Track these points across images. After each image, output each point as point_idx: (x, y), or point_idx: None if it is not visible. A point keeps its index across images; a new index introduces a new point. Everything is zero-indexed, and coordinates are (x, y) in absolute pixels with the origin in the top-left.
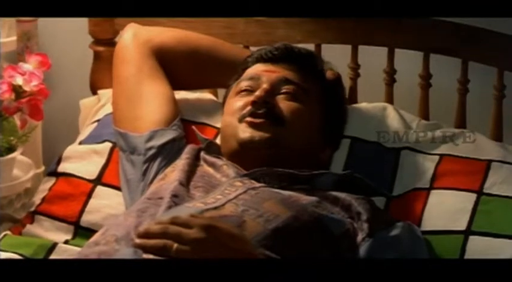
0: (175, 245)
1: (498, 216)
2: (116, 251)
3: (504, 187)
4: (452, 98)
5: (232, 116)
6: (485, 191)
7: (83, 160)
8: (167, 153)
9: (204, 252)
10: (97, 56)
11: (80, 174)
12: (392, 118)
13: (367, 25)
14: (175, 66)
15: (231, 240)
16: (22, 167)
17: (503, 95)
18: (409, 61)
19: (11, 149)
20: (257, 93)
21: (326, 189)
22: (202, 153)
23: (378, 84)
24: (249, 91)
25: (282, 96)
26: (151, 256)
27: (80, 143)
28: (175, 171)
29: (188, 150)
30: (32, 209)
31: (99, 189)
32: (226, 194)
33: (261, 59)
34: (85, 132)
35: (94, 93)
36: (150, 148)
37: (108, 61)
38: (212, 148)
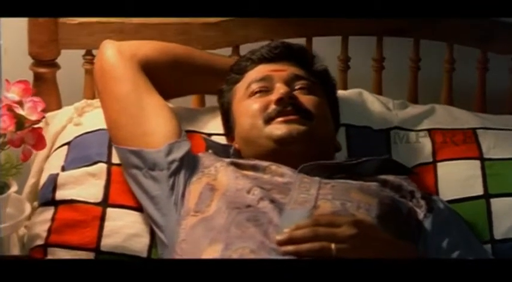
0: (333, 245)
1: (508, 177)
2: None
3: (498, 150)
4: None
5: (254, 118)
6: (485, 156)
7: (80, 184)
8: (188, 164)
9: (361, 247)
10: (39, 78)
11: (83, 199)
12: (372, 102)
13: (321, 17)
14: (159, 77)
15: (378, 232)
16: (13, 203)
17: (453, 68)
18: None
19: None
20: (281, 90)
21: (369, 175)
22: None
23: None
24: (264, 91)
25: (298, 91)
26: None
27: (63, 169)
28: (217, 179)
29: (215, 158)
30: (41, 242)
31: (110, 211)
32: (305, 191)
33: (263, 59)
34: (56, 156)
35: None
36: (172, 162)
37: (51, 82)
38: (234, 153)
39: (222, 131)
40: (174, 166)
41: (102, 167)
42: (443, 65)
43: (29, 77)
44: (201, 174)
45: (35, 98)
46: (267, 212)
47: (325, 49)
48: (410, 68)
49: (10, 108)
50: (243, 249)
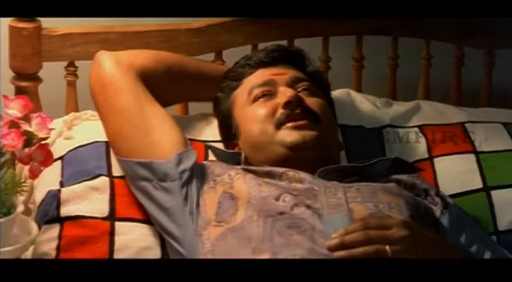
0: (388, 247)
1: (504, 169)
2: None
3: (490, 143)
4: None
5: (263, 123)
6: (478, 149)
7: (84, 200)
8: (198, 173)
9: (414, 248)
10: (21, 92)
11: (90, 215)
12: (360, 101)
13: (303, 19)
14: (153, 86)
15: (426, 232)
16: (19, 224)
17: (430, 64)
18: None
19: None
20: (289, 93)
21: (381, 175)
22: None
23: None
24: (268, 96)
25: (301, 94)
26: None
27: (62, 185)
28: (234, 187)
29: (226, 166)
30: None
31: (119, 225)
32: (333, 196)
33: (261, 64)
34: (51, 172)
35: None
36: (183, 171)
37: (33, 96)
38: (245, 160)
39: (218, 138)
40: (185, 176)
41: (104, 180)
42: (421, 62)
43: (9, 91)
44: (213, 183)
45: (43, 114)
46: (305, 218)
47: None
48: (389, 65)
49: (16, 125)
50: (293, 257)
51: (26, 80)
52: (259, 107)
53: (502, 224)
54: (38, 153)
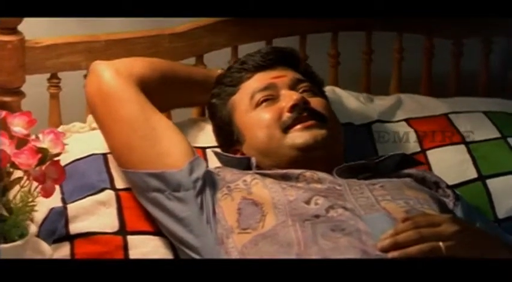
0: (441, 244)
1: (495, 157)
2: None
3: (477, 133)
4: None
5: (270, 128)
6: (467, 140)
7: (92, 215)
8: (210, 181)
9: (466, 243)
10: (4, 107)
11: (100, 230)
12: (346, 97)
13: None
14: (149, 93)
15: (473, 226)
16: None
17: (402, 57)
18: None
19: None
20: (294, 97)
21: (390, 171)
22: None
23: None
24: (270, 100)
25: (303, 95)
26: None
27: (64, 201)
28: (253, 193)
29: (238, 171)
30: None
31: (131, 238)
32: (360, 195)
33: (259, 67)
34: None
35: None
36: (196, 180)
37: (17, 111)
38: (257, 165)
39: (215, 144)
40: (199, 184)
41: (110, 193)
42: (393, 55)
43: None
44: (227, 190)
45: (55, 130)
46: (346, 220)
47: None
48: (363, 60)
49: (25, 142)
50: None
51: (9, 94)
52: (263, 111)
53: (501, 212)
54: (52, 171)
